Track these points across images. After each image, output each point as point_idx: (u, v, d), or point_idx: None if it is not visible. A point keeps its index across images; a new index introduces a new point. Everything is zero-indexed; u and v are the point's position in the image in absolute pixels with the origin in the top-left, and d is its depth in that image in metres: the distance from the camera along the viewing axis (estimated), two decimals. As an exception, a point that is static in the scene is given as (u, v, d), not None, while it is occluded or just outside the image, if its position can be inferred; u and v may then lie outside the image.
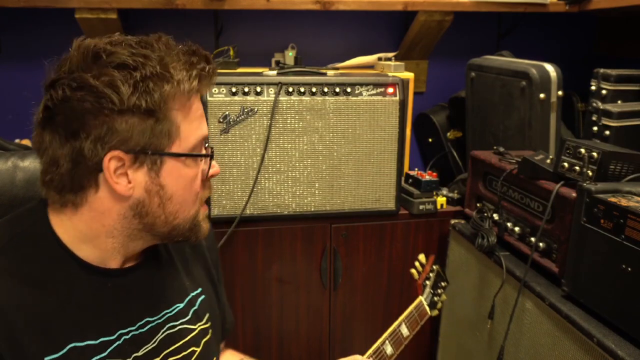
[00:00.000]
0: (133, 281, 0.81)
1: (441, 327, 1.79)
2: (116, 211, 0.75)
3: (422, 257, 1.23)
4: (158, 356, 0.81)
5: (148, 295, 0.83)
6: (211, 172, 0.82)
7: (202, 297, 0.92)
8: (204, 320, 0.91)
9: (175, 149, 0.75)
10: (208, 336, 0.91)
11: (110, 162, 0.71)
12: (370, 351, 1.00)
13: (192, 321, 0.88)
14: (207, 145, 0.82)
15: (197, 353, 0.87)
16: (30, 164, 0.96)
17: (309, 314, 1.75)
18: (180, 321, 0.86)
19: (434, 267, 1.23)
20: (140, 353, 0.79)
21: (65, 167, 0.71)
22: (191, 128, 0.76)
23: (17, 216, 0.79)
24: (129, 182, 0.73)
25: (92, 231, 0.75)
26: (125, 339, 0.77)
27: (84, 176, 0.72)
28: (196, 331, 0.88)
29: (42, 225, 0.75)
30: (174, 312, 0.85)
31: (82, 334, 0.73)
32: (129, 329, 0.78)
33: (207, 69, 0.76)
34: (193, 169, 0.78)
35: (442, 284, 1.24)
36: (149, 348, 0.80)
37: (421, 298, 1.16)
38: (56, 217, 0.76)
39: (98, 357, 0.73)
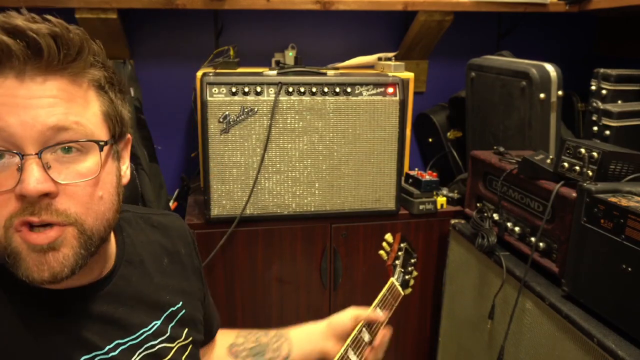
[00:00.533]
0: (97, 302, 0.72)
1: (441, 327, 1.79)
2: None
3: (388, 236, 1.18)
4: None
5: (118, 315, 0.74)
6: (17, 190, 0.60)
7: (183, 311, 0.85)
8: (183, 337, 0.84)
9: None
10: (187, 352, 0.84)
11: None
12: (348, 341, 0.97)
13: (170, 339, 0.81)
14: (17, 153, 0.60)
15: None
16: None
17: (309, 314, 1.75)
18: (159, 339, 0.79)
19: (402, 245, 1.20)
20: None
21: None
22: None
23: None
24: None
25: None
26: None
27: None
28: (174, 349, 0.81)
29: None
30: (152, 330, 0.78)
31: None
32: (94, 353, 0.69)
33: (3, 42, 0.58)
34: None
35: (412, 260, 1.20)
36: None
37: (393, 280, 1.13)
38: None
39: None
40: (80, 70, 0.63)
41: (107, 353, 0.70)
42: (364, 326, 1.01)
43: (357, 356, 0.97)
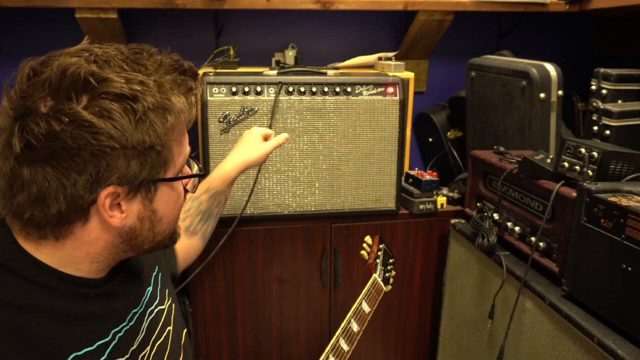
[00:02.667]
0: (113, 284, 0.79)
1: (441, 327, 1.79)
2: (104, 240, 0.72)
3: (368, 239, 1.28)
4: (148, 344, 0.82)
5: (128, 290, 0.82)
6: (190, 185, 0.81)
7: (160, 274, 0.93)
8: (167, 298, 0.91)
9: (170, 174, 0.73)
10: (174, 311, 0.92)
11: (107, 198, 0.67)
12: (338, 331, 1.06)
13: (161, 301, 0.89)
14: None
15: (171, 331, 0.88)
16: None
17: (309, 314, 1.75)
18: (155, 304, 0.86)
19: (381, 246, 1.29)
20: (135, 346, 0.79)
21: (55, 207, 0.65)
22: (180, 151, 0.74)
23: None
24: (122, 212, 0.69)
25: (74, 258, 0.72)
26: (119, 337, 0.76)
27: (74, 212, 0.67)
28: (166, 310, 0.89)
29: (9, 247, 0.69)
30: (148, 297, 0.85)
31: (77, 343, 0.70)
32: (121, 326, 0.77)
33: (195, 87, 0.72)
34: (179, 188, 0.77)
35: (390, 260, 1.31)
36: (140, 339, 0.80)
37: (375, 275, 1.23)
38: (24, 240, 0.70)
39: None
40: None
41: (128, 323, 0.79)
42: (352, 317, 1.10)
43: (348, 345, 1.07)
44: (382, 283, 1.23)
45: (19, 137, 0.61)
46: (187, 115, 0.71)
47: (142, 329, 0.81)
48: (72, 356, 0.69)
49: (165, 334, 0.86)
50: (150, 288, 0.87)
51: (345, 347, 1.04)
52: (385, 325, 1.83)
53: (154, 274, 0.91)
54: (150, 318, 0.84)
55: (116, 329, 0.76)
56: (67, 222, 0.68)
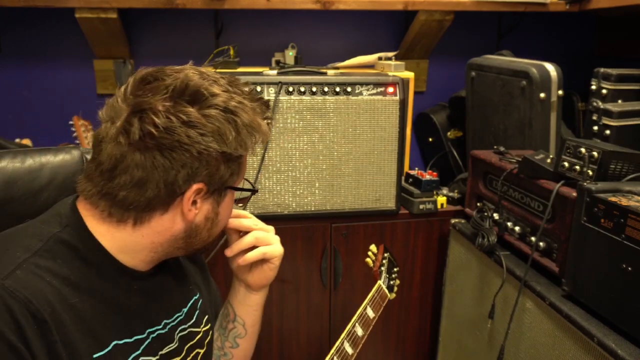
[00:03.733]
0: (153, 284, 0.83)
1: (441, 327, 1.79)
2: (172, 232, 0.78)
3: (373, 247, 1.31)
4: (179, 355, 0.85)
5: (165, 298, 0.86)
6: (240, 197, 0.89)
7: (201, 301, 0.95)
8: (204, 323, 0.94)
9: (238, 183, 0.82)
10: (209, 337, 0.95)
11: (193, 192, 0.75)
12: (343, 334, 1.08)
13: (196, 324, 0.91)
14: None
15: (200, 354, 0.91)
16: (8, 164, 0.89)
17: (309, 314, 1.75)
18: (188, 324, 0.89)
19: (385, 254, 1.32)
20: (164, 351, 0.82)
21: (152, 191, 0.73)
22: (244, 167, 0.83)
23: (49, 217, 0.78)
24: (196, 209, 0.78)
25: (138, 245, 0.77)
26: (153, 338, 0.80)
27: (164, 200, 0.75)
28: (200, 334, 0.92)
29: (77, 226, 0.76)
30: (183, 316, 0.89)
31: (119, 332, 0.75)
32: (155, 328, 0.82)
33: (270, 118, 0.82)
34: (233, 196, 0.84)
35: (395, 269, 1.34)
36: (172, 347, 0.84)
37: (380, 282, 1.25)
38: (96, 223, 0.76)
39: (134, 354, 0.77)
40: None
41: (162, 329, 0.83)
42: (357, 321, 1.13)
43: (352, 348, 1.10)
44: (386, 290, 1.26)
45: (139, 126, 0.71)
46: (266, 138, 0.80)
47: (175, 339, 0.85)
48: (113, 343, 0.74)
49: (193, 354, 0.89)
50: (186, 309, 0.90)
51: (349, 350, 1.07)
52: (386, 325, 1.83)
53: (194, 297, 0.93)
54: (181, 334, 0.87)
55: (151, 329, 0.81)
56: (152, 208, 0.75)
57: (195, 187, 0.75)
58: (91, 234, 0.75)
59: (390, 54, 1.90)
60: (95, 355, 0.71)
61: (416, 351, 1.89)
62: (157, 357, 0.81)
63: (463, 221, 1.67)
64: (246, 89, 0.79)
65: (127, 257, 0.78)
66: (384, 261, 1.30)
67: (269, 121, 0.81)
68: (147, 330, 0.80)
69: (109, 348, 0.73)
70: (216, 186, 0.77)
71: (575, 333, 1.12)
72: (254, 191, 0.88)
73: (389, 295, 1.31)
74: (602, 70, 1.57)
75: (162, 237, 0.78)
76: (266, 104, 0.81)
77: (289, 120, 1.55)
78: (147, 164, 0.72)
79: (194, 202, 0.77)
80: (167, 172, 0.72)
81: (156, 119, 0.70)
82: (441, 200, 1.77)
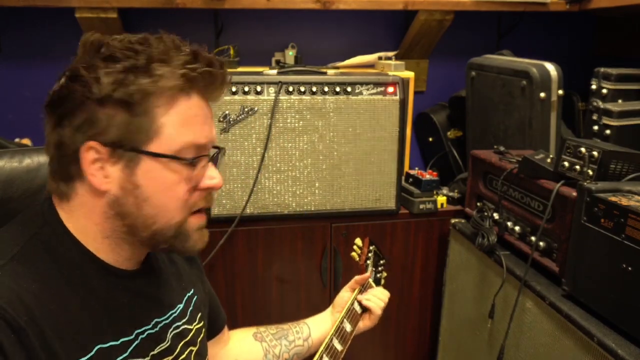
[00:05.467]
0: (142, 283, 0.81)
1: (441, 327, 1.79)
2: (99, 208, 0.73)
3: (358, 241, 1.30)
4: (171, 354, 0.83)
5: (155, 296, 0.83)
6: (207, 184, 0.77)
7: (195, 297, 0.93)
8: (197, 320, 0.92)
9: (154, 148, 0.72)
10: (202, 335, 0.93)
11: (88, 152, 0.70)
12: (332, 331, 1.08)
13: (189, 321, 0.89)
14: (213, 154, 0.79)
15: (194, 352, 0.89)
16: (6, 163, 0.89)
17: (309, 314, 1.74)
18: (182, 321, 0.87)
19: (371, 247, 1.31)
20: (156, 351, 0.80)
21: (52, 154, 0.74)
22: (179, 131, 0.73)
23: (27, 218, 0.77)
24: (106, 177, 0.72)
25: (89, 229, 0.75)
26: (142, 338, 0.78)
27: (68, 165, 0.72)
28: (193, 331, 0.90)
29: (54, 225, 0.74)
30: (177, 313, 0.87)
31: (104, 335, 0.73)
32: (144, 328, 0.79)
33: (199, 69, 0.73)
34: (175, 173, 0.73)
35: (381, 262, 1.32)
36: (164, 347, 0.82)
37: (368, 274, 1.24)
38: (63, 212, 0.75)
39: (121, 357, 0.74)
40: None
41: (152, 328, 0.80)
42: (345, 317, 1.14)
43: (351, 325, 1.11)
44: (373, 283, 1.24)
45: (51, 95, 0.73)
46: (168, 83, 0.71)
47: (167, 339, 0.83)
48: (97, 347, 0.71)
49: (187, 352, 0.87)
50: (181, 305, 0.88)
51: (339, 347, 1.06)
52: (385, 325, 1.83)
53: (188, 294, 0.92)
54: (175, 332, 0.85)
55: (139, 330, 0.78)
56: (69, 177, 0.74)
57: (85, 146, 0.70)
58: (68, 230, 0.74)
59: (390, 54, 1.90)
60: None
61: (416, 351, 1.89)
62: (148, 357, 0.78)
63: (463, 221, 1.67)
64: (158, 43, 0.73)
65: (101, 248, 0.75)
66: (369, 254, 1.29)
67: (187, 70, 0.72)
68: (136, 332, 0.77)
69: (93, 352, 0.70)
70: (116, 147, 0.70)
71: (575, 333, 1.12)
72: (174, 158, 0.73)
73: (375, 287, 1.29)
74: (602, 70, 1.57)
75: (96, 215, 0.74)
76: (195, 54, 0.75)
77: (289, 120, 1.55)
78: (49, 127, 0.73)
79: (101, 169, 0.71)
80: (57, 132, 0.72)
81: (57, 82, 0.72)
82: (441, 200, 1.77)
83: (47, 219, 0.74)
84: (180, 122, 0.73)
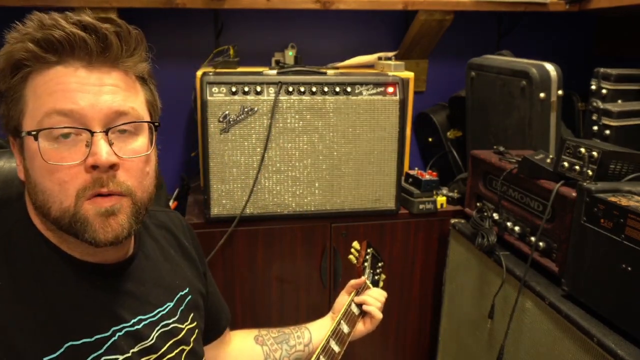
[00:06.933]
0: (124, 279, 0.80)
1: (441, 327, 1.79)
2: (26, 190, 0.75)
3: (356, 244, 1.30)
4: (156, 353, 0.81)
5: (138, 293, 0.82)
6: (88, 161, 0.68)
7: (189, 297, 0.92)
8: (189, 320, 0.91)
9: (27, 127, 0.69)
10: (195, 335, 0.92)
11: (13, 146, 0.74)
12: (329, 332, 1.08)
13: (180, 320, 0.88)
14: (107, 130, 0.70)
15: (186, 351, 0.88)
16: (5, 164, 0.90)
17: (309, 314, 1.75)
18: (172, 320, 0.86)
19: (369, 250, 1.31)
20: (136, 349, 0.78)
21: None
22: (38, 103, 0.68)
23: (6, 215, 0.77)
24: (18, 166, 0.74)
25: (43, 223, 0.74)
26: (120, 335, 0.76)
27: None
28: (184, 330, 0.89)
29: (25, 223, 0.74)
30: (167, 311, 0.86)
31: (77, 332, 0.72)
32: (122, 325, 0.77)
33: (51, 34, 0.68)
34: (38, 147, 0.68)
35: (379, 264, 1.32)
36: (146, 345, 0.80)
37: (363, 278, 1.24)
38: (30, 208, 0.75)
39: (95, 354, 0.73)
40: (134, 64, 0.74)
41: (132, 326, 0.78)
42: (352, 301, 1.15)
43: (348, 326, 1.11)
44: (370, 285, 1.24)
45: None
46: (17, 54, 0.69)
47: (151, 337, 0.81)
48: (68, 344, 0.70)
49: (177, 351, 0.85)
50: (171, 304, 0.87)
51: (336, 348, 1.06)
52: (385, 325, 1.82)
53: (181, 293, 0.90)
54: (163, 330, 0.84)
55: (116, 327, 0.76)
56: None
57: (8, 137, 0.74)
58: (34, 224, 0.74)
59: (390, 54, 1.90)
60: (45, 358, 0.68)
61: (416, 351, 1.89)
62: (128, 354, 0.76)
63: (463, 221, 1.67)
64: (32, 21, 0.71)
65: (73, 250, 0.74)
66: (367, 257, 1.30)
67: (32, 36, 0.70)
68: (112, 328, 0.75)
69: (62, 350, 0.69)
70: (14, 135, 0.72)
71: (575, 333, 1.12)
72: (30, 133, 0.68)
73: (372, 289, 1.29)
74: (602, 70, 1.57)
75: (29, 205, 0.74)
76: (54, 20, 0.71)
77: (288, 120, 1.55)
78: None
79: (18, 158, 0.74)
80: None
81: None
82: (441, 200, 1.77)
83: (18, 218, 0.75)
84: (40, 94, 0.69)
